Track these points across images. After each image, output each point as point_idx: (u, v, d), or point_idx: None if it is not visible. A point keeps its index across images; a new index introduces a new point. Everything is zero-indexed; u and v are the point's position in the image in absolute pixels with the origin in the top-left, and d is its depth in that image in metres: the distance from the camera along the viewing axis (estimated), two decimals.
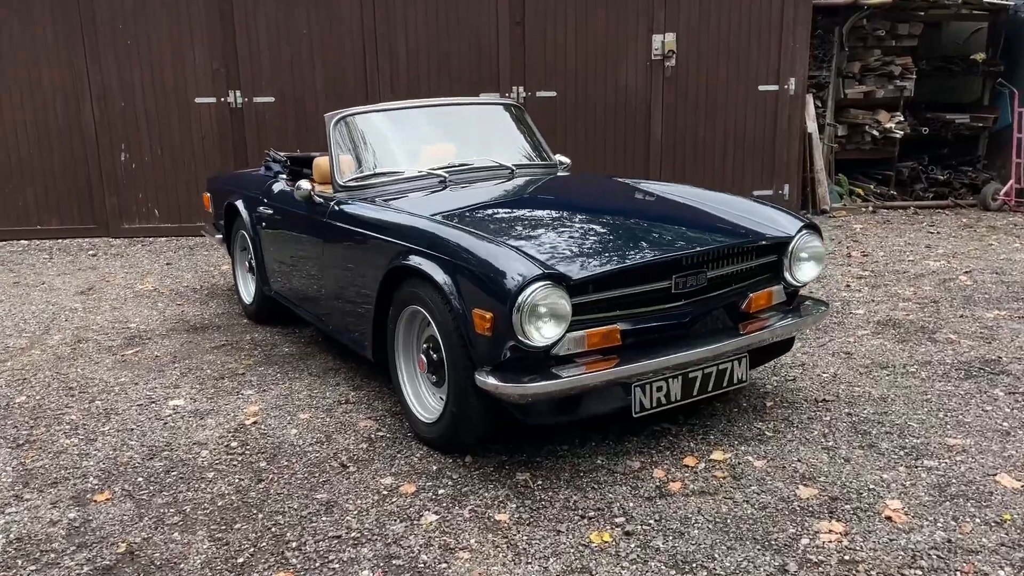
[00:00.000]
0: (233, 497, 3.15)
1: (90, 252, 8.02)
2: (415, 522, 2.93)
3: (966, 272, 6.37)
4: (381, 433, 3.68)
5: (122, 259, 7.72)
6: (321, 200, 4.31)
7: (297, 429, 3.75)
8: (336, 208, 4.17)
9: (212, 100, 8.43)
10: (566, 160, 5.07)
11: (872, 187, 9.45)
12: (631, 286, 3.20)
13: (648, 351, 3.19)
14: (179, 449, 3.58)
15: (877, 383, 4.08)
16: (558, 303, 2.96)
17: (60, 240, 8.57)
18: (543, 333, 2.96)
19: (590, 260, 3.16)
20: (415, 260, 3.39)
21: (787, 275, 3.60)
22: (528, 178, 4.55)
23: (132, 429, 3.81)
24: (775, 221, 3.68)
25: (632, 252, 3.25)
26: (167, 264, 7.41)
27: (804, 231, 3.62)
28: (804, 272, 3.63)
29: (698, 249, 3.31)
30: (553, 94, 8.69)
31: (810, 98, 9.00)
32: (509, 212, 3.85)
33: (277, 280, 5.04)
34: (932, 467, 3.19)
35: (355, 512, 3.01)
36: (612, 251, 3.26)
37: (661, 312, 3.29)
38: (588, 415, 3.26)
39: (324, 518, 2.97)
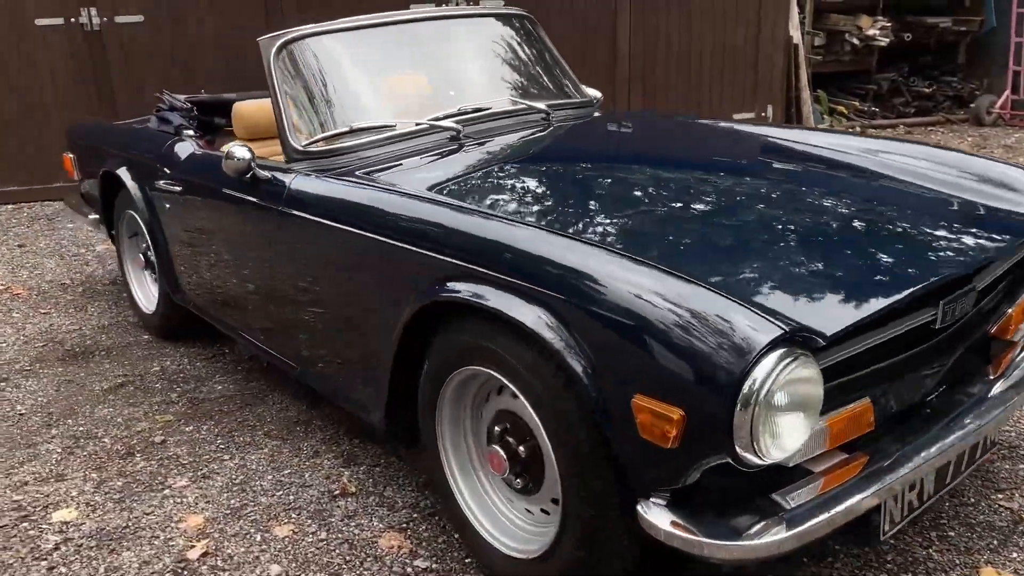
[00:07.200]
0: None
1: None
2: None
3: None
4: (424, 563, 2.28)
5: None
6: (269, 175, 2.75)
7: (280, 567, 2.30)
8: (297, 190, 2.63)
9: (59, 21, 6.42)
10: (597, 93, 3.64)
11: (857, 103, 8.37)
12: (886, 329, 1.86)
13: (906, 432, 1.91)
14: None
15: None
16: (809, 385, 1.60)
17: None
18: (783, 442, 1.61)
19: (830, 297, 1.79)
20: (476, 291, 1.96)
21: None
22: (572, 124, 3.12)
23: None
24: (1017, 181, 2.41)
25: (881, 272, 1.90)
26: (20, 246, 5.55)
27: None
28: None
29: (983, 256, 2.00)
30: None
31: (793, 1, 7.74)
32: (606, 199, 2.41)
33: (195, 287, 3.44)
34: None
35: None
36: (848, 275, 1.89)
37: (917, 361, 1.98)
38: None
39: None
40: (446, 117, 2.88)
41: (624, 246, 1.89)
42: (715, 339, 1.55)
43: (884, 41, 8.23)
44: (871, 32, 8.21)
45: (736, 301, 1.60)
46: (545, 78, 3.35)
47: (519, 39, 3.41)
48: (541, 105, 3.08)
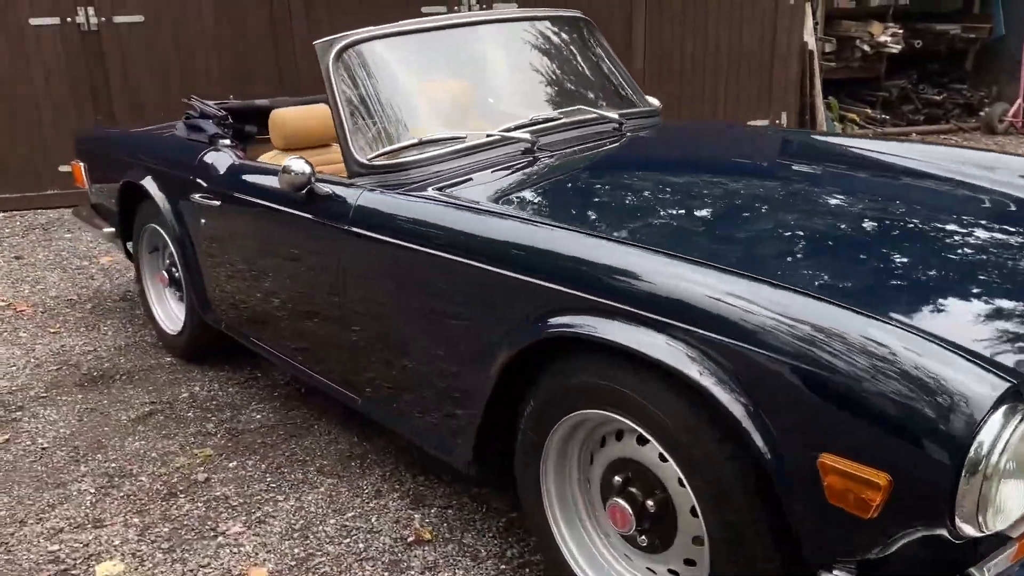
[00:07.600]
0: None
1: None
2: None
3: None
4: None
5: None
6: (329, 191, 2.51)
7: None
8: (366, 208, 2.40)
9: (54, 21, 6.10)
10: (656, 102, 3.44)
11: (869, 111, 8.26)
12: None
13: None
14: None
15: None
16: None
17: None
18: (1008, 511, 1.40)
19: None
20: (596, 326, 1.75)
21: None
22: (647, 134, 2.93)
23: None
24: None
25: None
26: (17, 258, 5.23)
27: None
28: None
29: None
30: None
31: (808, 7, 7.60)
32: (728, 218, 2.18)
33: (231, 307, 3.19)
34: None
35: None
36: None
37: None
38: None
39: None
40: (517, 128, 2.66)
41: (783, 274, 1.67)
42: (929, 393, 1.35)
43: (896, 48, 8.13)
44: (882, 39, 8.10)
45: (947, 346, 1.40)
46: (610, 85, 3.15)
47: (580, 43, 3.21)
48: (613, 114, 2.88)
